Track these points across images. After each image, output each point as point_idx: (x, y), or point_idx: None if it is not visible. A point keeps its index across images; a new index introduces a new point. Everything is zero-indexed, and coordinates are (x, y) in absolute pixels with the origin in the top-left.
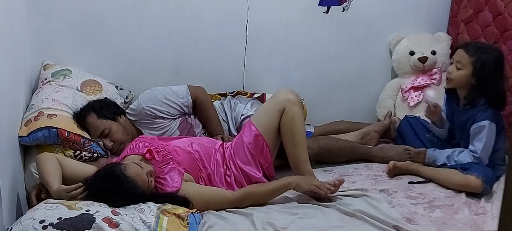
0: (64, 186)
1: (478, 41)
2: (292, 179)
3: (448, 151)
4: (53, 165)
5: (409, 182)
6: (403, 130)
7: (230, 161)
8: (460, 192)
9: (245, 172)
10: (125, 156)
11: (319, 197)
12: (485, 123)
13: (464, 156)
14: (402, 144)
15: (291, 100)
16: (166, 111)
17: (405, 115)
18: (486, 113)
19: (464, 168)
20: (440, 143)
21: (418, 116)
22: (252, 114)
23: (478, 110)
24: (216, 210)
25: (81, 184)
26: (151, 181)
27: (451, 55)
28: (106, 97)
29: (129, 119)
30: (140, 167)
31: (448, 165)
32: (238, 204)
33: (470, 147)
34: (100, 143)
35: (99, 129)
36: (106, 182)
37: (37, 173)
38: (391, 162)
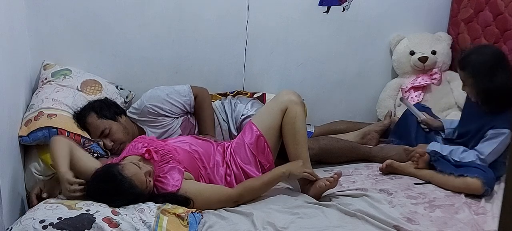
0: (71, 174)
1: (472, 48)
2: (285, 168)
3: (450, 146)
4: (65, 148)
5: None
6: (405, 122)
7: (231, 160)
8: (460, 192)
9: (245, 171)
10: (124, 157)
11: (318, 193)
12: (506, 131)
13: (469, 155)
14: (398, 135)
15: (294, 100)
16: (169, 110)
17: (418, 102)
18: (508, 123)
19: (462, 169)
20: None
21: (430, 108)
22: (252, 114)
23: (500, 116)
24: (216, 209)
25: (84, 181)
26: (150, 181)
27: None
28: (106, 97)
29: (132, 117)
30: (138, 167)
31: (450, 158)
32: (238, 199)
33: (477, 147)
34: (100, 143)
35: (99, 129)
36: (103, 182)
37: (37, 173)
38: (389, 161)
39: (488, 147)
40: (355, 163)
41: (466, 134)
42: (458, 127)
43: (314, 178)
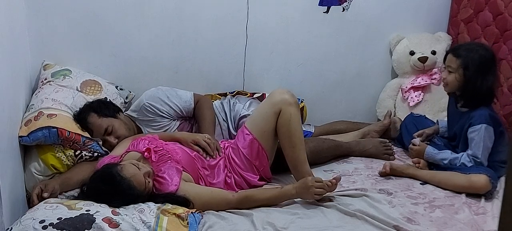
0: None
1: (469, 42)
2: (295, 191)
3: (448, 153)
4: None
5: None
6: (406, 127)
7: (229, 166)
8: (460, 191)
9: (244, 177)
10: (128, 151)
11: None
12: (481, 126)
13: (465, 159)
14: (404, 141)
15: (287, 101)
16: (166, 111)
17: (411, 112)
18: (482, 118)
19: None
20: (443, 144)
21: (424, 115)
22: (249, 114)
23: (474, 113)
24: (216, 211)
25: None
26: (149, 182)
27: (444, 61)
28: (106, 97)
29: (131, 116)
30: (138, 168)
31: (448, 164)
32: (237, 206)
33: (469, 151)
34: (100, 142)
35: (102, 127)
36: (102, 183)
37: (37, 173)
38: (387, 164)
39: (476, 148)
40: (340, 159)
41: (454, 136)
42: (447, 130)
43: (326, 192)
